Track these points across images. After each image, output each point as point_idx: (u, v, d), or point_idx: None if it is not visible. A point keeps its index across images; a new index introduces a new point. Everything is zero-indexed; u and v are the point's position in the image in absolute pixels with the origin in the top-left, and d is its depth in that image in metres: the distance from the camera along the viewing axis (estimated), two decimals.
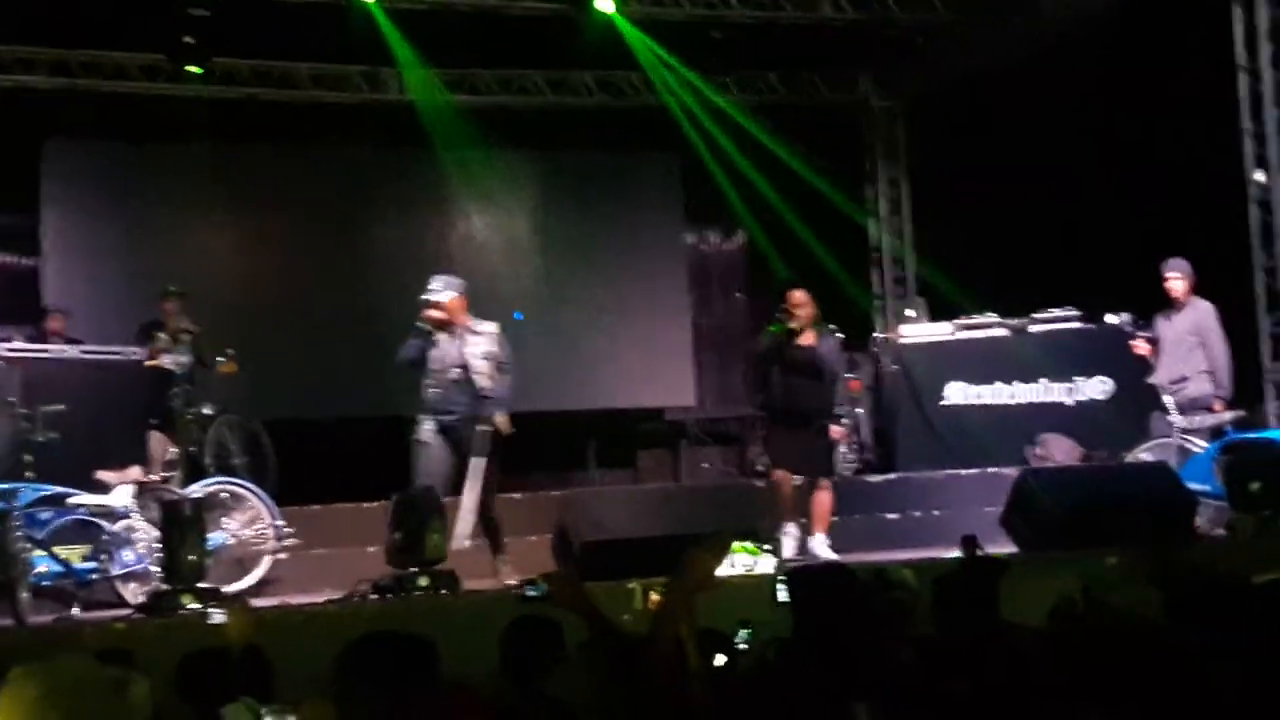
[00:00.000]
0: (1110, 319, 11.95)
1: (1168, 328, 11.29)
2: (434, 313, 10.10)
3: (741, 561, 8.97)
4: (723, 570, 4.06)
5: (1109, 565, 7.42)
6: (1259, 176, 12.77)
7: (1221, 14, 12.86)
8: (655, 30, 15.54)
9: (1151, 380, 11.31)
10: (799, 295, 10.99)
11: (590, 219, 16.76)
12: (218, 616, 8.33)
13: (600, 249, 16.76)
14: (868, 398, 15.06)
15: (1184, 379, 11.12)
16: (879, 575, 5.79)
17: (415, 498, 9.51)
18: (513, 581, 9.18)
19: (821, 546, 10.68)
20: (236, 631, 5.75)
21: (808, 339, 10.88)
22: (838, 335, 11.44)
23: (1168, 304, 11.31)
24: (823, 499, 10.82)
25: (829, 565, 5.26)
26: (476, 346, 10.05)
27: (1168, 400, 11.14)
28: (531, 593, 4.20)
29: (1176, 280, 11.24)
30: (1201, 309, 11.20)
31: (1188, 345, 11.14)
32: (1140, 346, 11.42)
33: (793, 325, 10.82)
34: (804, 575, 5.26)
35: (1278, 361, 12.57)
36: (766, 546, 9.10)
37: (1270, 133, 12.66)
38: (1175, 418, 11.05)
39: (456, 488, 9.88)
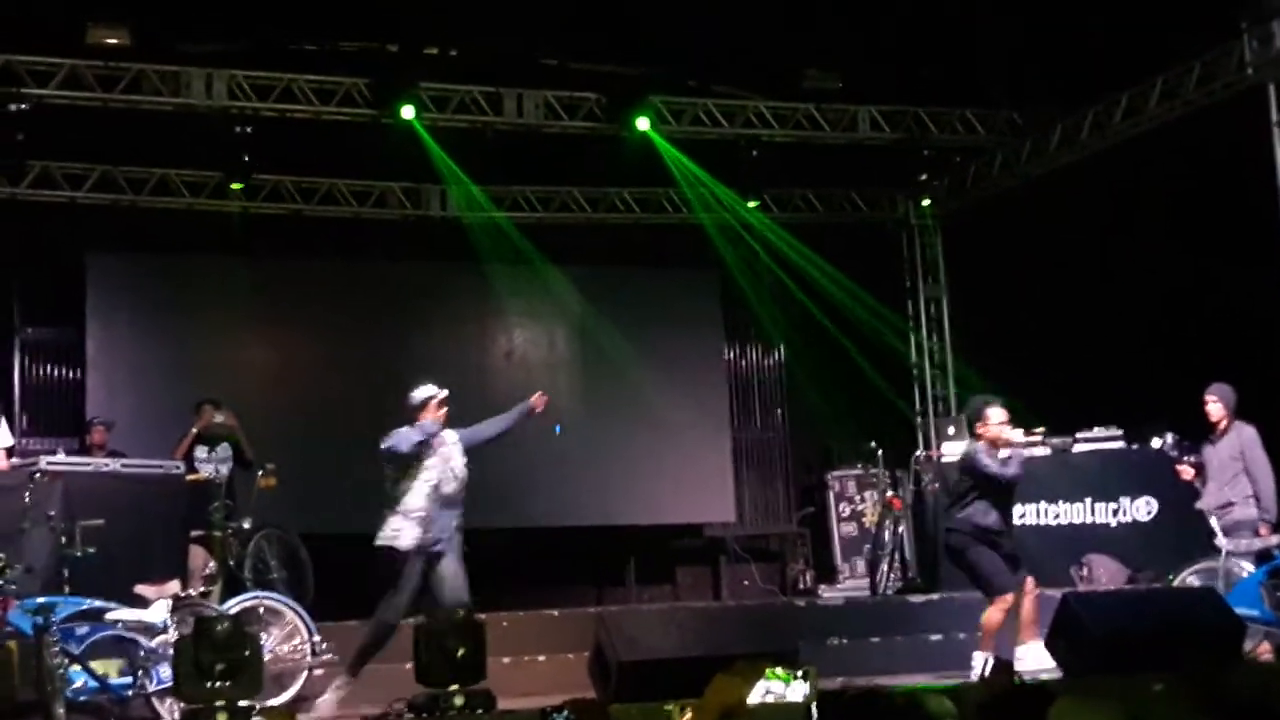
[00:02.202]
0: (1155, 442, 11.79)
1: (1212, 453, 11.20)
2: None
3: (771, 688, 8.77)
4: (752, 697, 4.00)
5: (1156, 691, 7.31)
6: None
7: (1262, 133, 12.84)
8: (694, 149, 15.68)
9: (1198, 505, 11.19)
10: (1003, 411, 10.63)
11: (630, 334, 16.75)
12: None
13: (640, 364, 16.71)
14: (909, 516, 14.95)
15: (1230, 504, 10.99)
16: (915, 704, 5.68)
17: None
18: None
19: (1043, 655, 10.02)
20: None
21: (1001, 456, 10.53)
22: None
23: (1211, 427, 11.22)
24: (1034, 602, 10.48)
25: (866, 690, 5.14)
26: None
27: (1213, 523, 11.01)
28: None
29: (1215, 405, 11.17)
30: (1246, 434, 11.09)
31: (1232, 470, 11.02)
32: (1186, 471, 11.32)
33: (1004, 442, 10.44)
34: (839, 702, 5.18)
35: None
36: (799, 673, 8.90)
37: None
38: (1221, 541, 10.92)
39: None
